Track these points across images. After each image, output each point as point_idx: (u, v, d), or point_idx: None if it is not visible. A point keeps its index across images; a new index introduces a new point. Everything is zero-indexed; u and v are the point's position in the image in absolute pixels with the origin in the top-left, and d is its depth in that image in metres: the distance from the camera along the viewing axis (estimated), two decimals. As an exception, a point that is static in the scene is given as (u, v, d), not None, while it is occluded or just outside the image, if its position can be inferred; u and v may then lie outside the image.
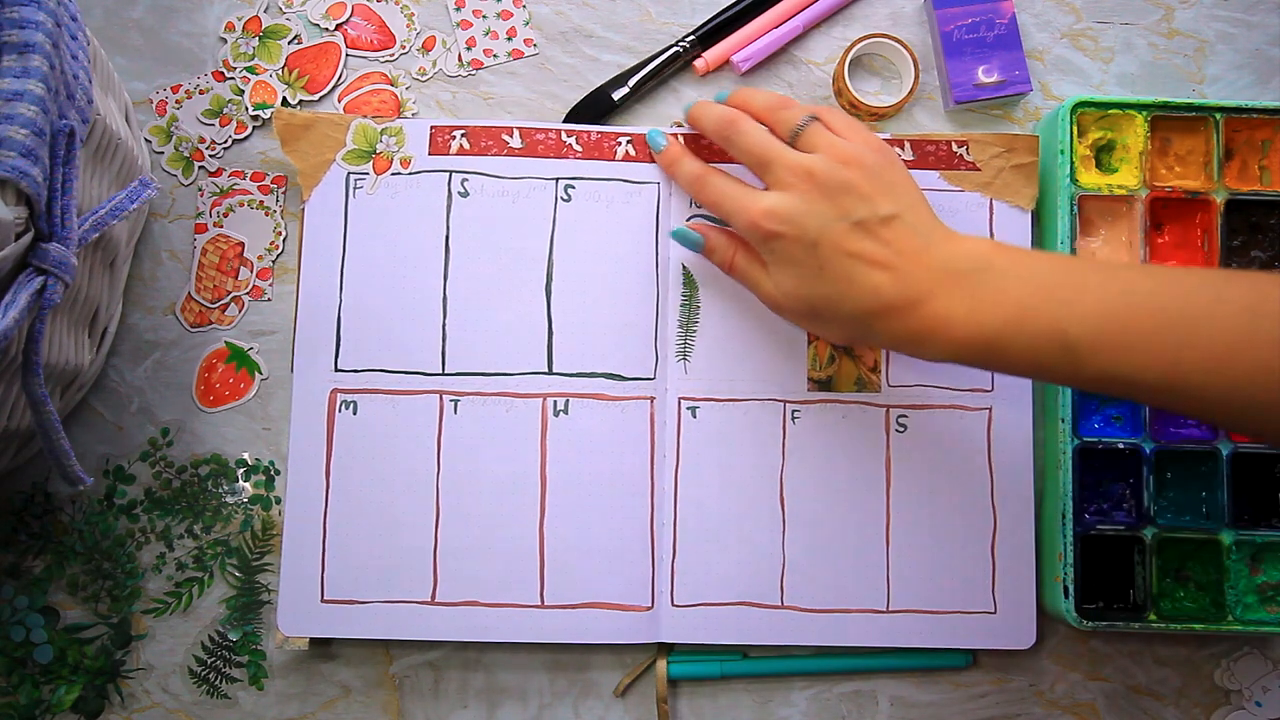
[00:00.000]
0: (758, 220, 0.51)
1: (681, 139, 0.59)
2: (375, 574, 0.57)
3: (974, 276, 0.48)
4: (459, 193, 0.59)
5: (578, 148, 0.60)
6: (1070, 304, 0.46)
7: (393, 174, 0.59)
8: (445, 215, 0.59)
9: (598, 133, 0.60)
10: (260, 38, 0.62)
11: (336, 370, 0.58)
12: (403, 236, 0.59)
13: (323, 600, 0.57)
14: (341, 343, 0.58)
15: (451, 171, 0.60)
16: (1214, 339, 0.43)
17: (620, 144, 0.60)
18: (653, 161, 0.60)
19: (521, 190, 0.59)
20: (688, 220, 0.59)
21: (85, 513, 0.58)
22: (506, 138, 0.60)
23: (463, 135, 0.60)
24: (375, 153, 0.59)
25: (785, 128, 0.54)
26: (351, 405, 0.58)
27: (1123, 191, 0.59)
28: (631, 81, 0.61)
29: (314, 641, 0.57)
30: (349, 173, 0.59)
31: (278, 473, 0.59)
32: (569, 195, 0.59)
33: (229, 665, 0.58)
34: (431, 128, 0.60)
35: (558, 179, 0.59)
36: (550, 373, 0.58)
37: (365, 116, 0.60)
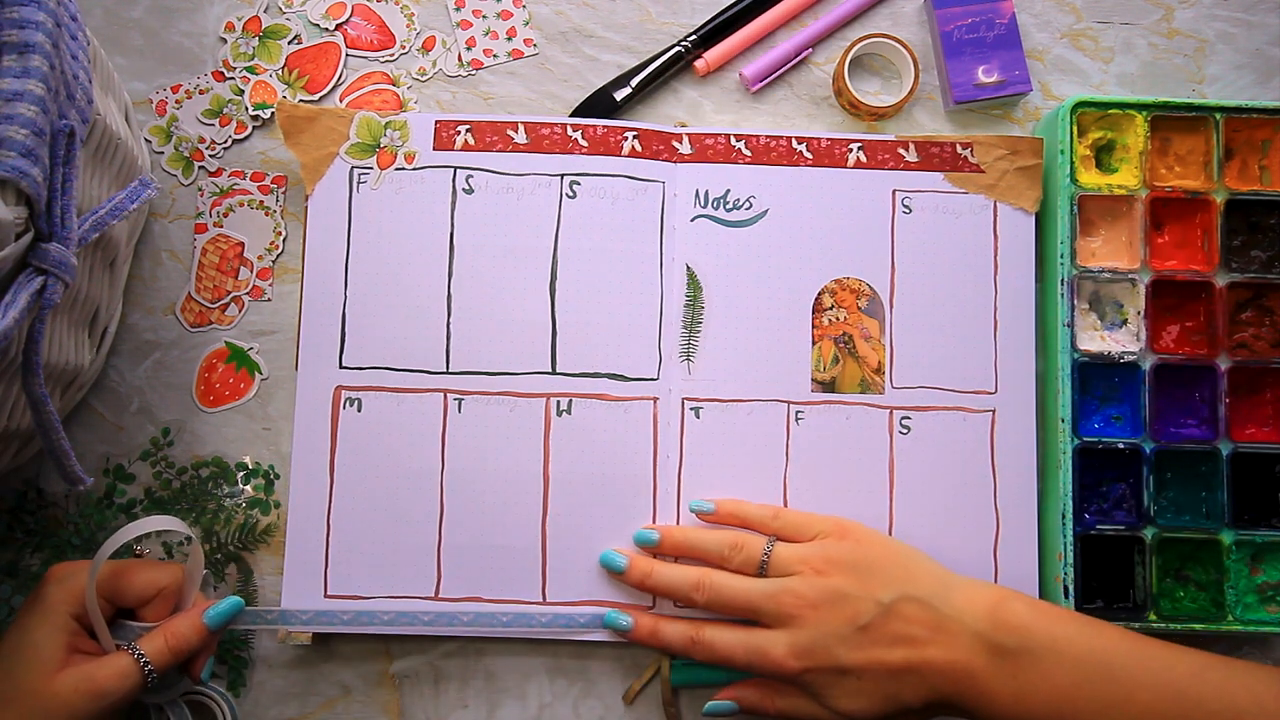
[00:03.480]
0: (782, 663, 0.51)
1: (639, 619, 0.55)
2: (378, 570, 0.57)
3: (1017, 658, 0.48)
4: (464, 189, 0.59)
5: (583, 143, 0.60)
6: (1119, 705, 0.46)
7: (396, 169, 0.59)
8: (450, 212, 0.59)
9: (604, 127, 0.60)
10: (260, 38, 0.62)
11: (341, 367, 0.58)
12: (407, 233, 0.59)
13: (326, 595, 0.57)
14: (346, 340, 0.58)
15: (456, 167, 0.59)
16: None
17: (627, 139, 0.60)
18: (659, 158, 0.60)
19: (526, 187, 0.59)
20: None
21: (80, 506, 0.58)
22: (511, 133, 0.60)
23: (467, 130, 0.60)
24: (379, 147, 0.59)
25: (751, 566, 0.54)
26: (356, 402, 0.58)
27: (1123, 191, 0.59)
28: (634, 82, 0.61)
29: (316, 637, 0.57)
30: (352, 167, 0.59)
31: (277, 477, 0.59)
32: (574, 191, 0.59)
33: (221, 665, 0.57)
34: (436, 122, 0.60)
35: (563, 175, 0.59)
36: (554, 373, 0.58)
37: (369, 110, 0.60)
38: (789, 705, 0.53)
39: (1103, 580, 0.58)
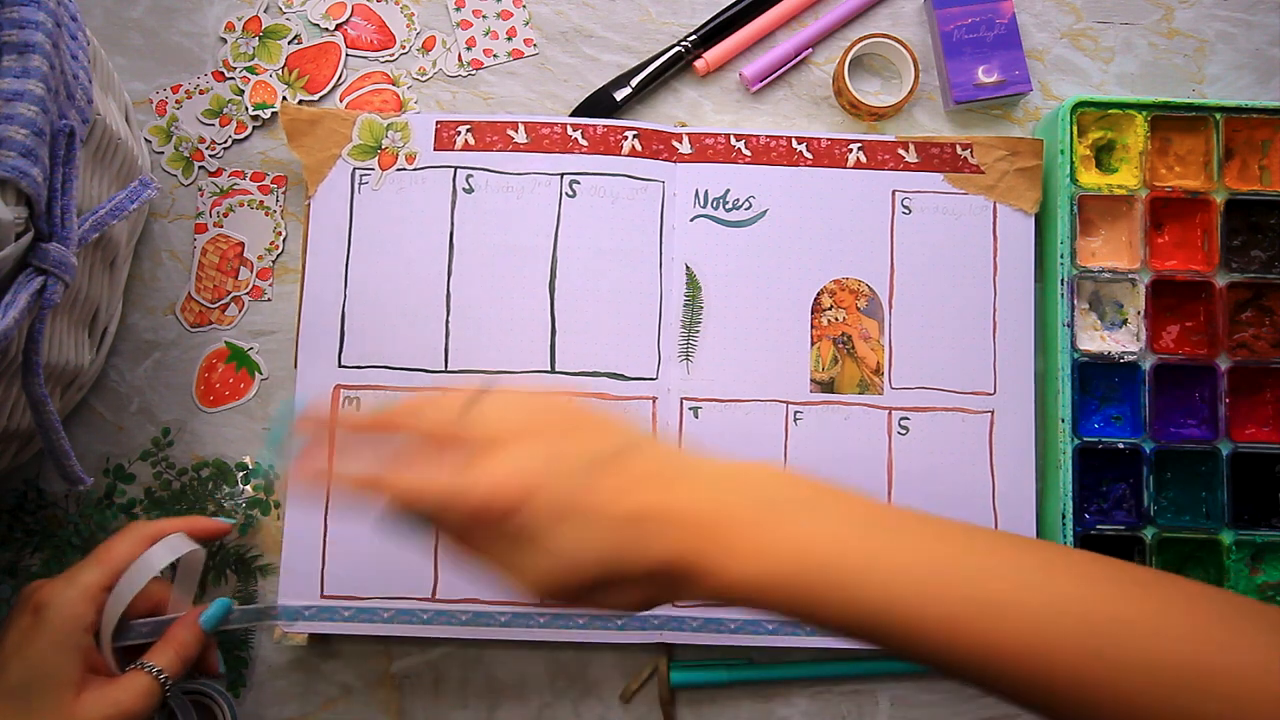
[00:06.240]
0: (491, 496, 0.38)
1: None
2: (376, 571, 0.57)
3: (794, 508, 0.38)
4: (464, 189, 0.59)
5: (583, 142, 0.60)
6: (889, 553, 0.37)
7: (398, 169, 0.59)
8: (450, 211, 0.59)
9: (604, 127, 0.60)
10: (260, 38, 0.62)
11: (340, 366, 0.58)
12: (407, 232, 0.59)
13: (322, 596, 0.57)
14: (345, 339, 0.58)
15: (456, 167, 0.60)
16: (1027, 627, 0.35)
17: (627, 138, 0.60)
18: (659, 158, 0.60)
19: (526, 186, 0.59)
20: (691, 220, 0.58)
21: (80, 506, 0.58)
22: (511, 133, 0.60)
23: (468, 131, 0.60)
24: (381, 148, 0.59)
25: (457, 405, 0.41)
26: (355, 401, 0.58)
27: (1123, 191, 0.59)
28: (634, 82, 0.61)
29: (316, 637, 0.57)
30: (354, 168, 0.59)
31: (277, 477, 0.59)
32: (574, 191, 0.59)
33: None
34: (437, 123, 0.60)
35: (563, 174, 0.59)
36: (553, 371, 0.58)
37: (371, 112, 0.60)
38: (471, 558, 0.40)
39: (1102, 580, 0.58)
